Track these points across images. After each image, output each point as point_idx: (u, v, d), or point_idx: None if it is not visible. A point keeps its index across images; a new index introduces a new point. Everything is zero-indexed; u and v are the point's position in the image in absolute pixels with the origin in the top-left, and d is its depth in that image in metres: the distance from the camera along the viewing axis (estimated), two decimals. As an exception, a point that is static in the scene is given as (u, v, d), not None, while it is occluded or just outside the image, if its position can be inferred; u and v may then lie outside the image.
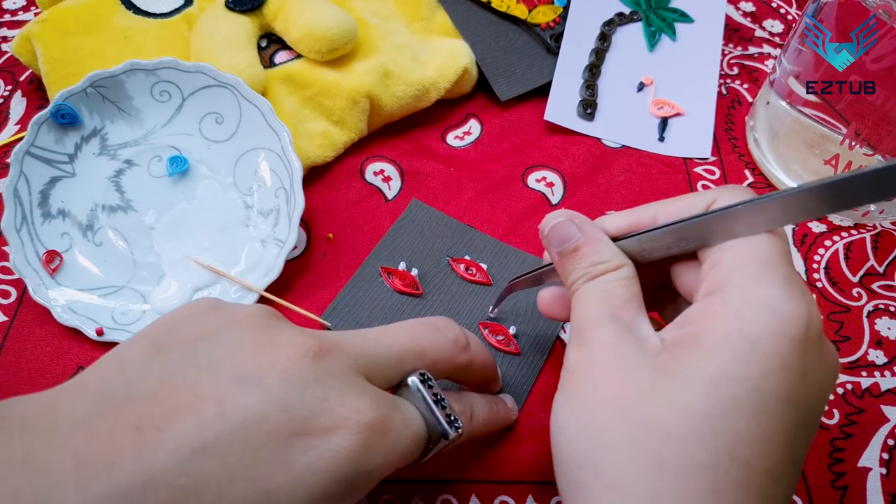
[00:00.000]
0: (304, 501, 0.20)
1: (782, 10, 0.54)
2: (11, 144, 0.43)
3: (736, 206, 0.22)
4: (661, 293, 0.28)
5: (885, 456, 0.32)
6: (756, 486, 0.20)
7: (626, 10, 0.49)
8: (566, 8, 0.48)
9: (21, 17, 0.51)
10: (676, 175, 0.43)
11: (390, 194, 0.42)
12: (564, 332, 0.36)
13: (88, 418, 0.19)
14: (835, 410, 0.34)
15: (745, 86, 0.49)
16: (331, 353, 0.22)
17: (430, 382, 0.25)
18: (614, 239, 0.26)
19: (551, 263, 0.28)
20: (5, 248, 0.37)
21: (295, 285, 0.37)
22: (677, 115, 0.46)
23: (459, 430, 0.25)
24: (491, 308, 0.35)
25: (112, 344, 0.34)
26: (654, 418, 0.20)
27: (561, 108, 0.45)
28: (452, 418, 0.25)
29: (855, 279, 0.39)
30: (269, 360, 0.21)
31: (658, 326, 0.24)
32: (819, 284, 0.38)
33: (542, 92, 0.46)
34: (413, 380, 0.25)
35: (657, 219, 0.25)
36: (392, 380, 0.25)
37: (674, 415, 0.20)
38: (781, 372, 0.20)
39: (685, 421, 0.20)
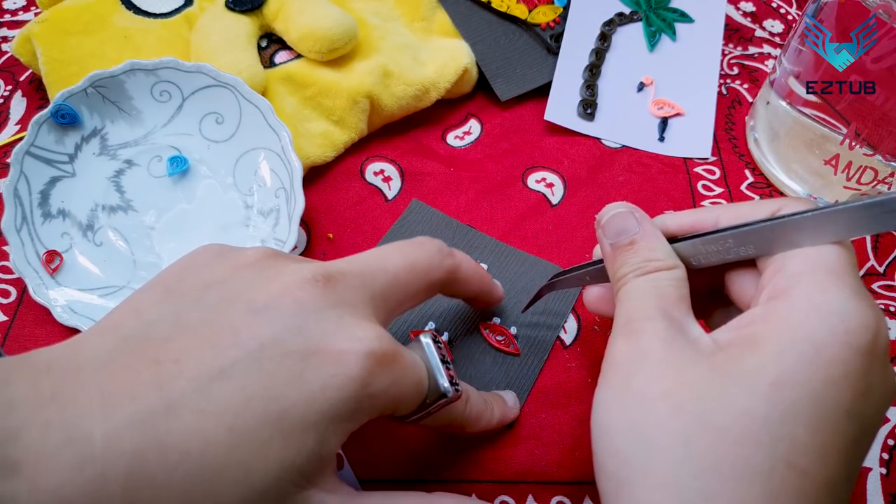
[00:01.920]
0: (315, 420, 0.21)
1: (782, 10, 0.54)
2: (11, 144, 0.43)
3: (805, 214, 0.22)
4: (709, 300, 0.28)
5: (885, 456, 0.32)
6: (813, 497, 0.19)
7: (626, 10, 0.49)
8: (566, 8, 0.48)
9: (21, 17, 0.51)
10: (676, 175, 0.43)
11: (390, 194, 0.42)
12: (565, 331, 0.36)
13: (110, 358, 0.20)
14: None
15: (745, 86, 0.49)
16: (338, 281, 0.23)
17: (440, 344, 0.26)
18: (670, 240, 0.25)
19: (598, 262, 0.27)
20: (5, 248, 0.37)
21: (295, 285, 0.37)
22: (677, 115, 0.46)
23: (458, 391, 0.25)
24: (523, 307, 0.34)
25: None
26: (710, 417, 0.20)
27: (561, 108, 0.45)
28: (454, 381, 0.25)
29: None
30: (279, 291, 0.22)
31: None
32: (819, 284, 0.38)
33: (542, 92, 0.46)
34: (425, 337, 0.26)
35: (719, 221, 0.25)
36: (390, 299, 0.25)
37: (731, 415, 0.20)
38: (845, 382, 0.20)
39: (743, 422, 0.19)
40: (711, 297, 0.28)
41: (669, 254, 0.24)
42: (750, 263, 0.24)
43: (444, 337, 0.35)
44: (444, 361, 0.26)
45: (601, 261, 0.27)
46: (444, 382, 0.25)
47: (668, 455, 0.20)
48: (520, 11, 0.47)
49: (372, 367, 0.22)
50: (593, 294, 0.29)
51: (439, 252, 0.28)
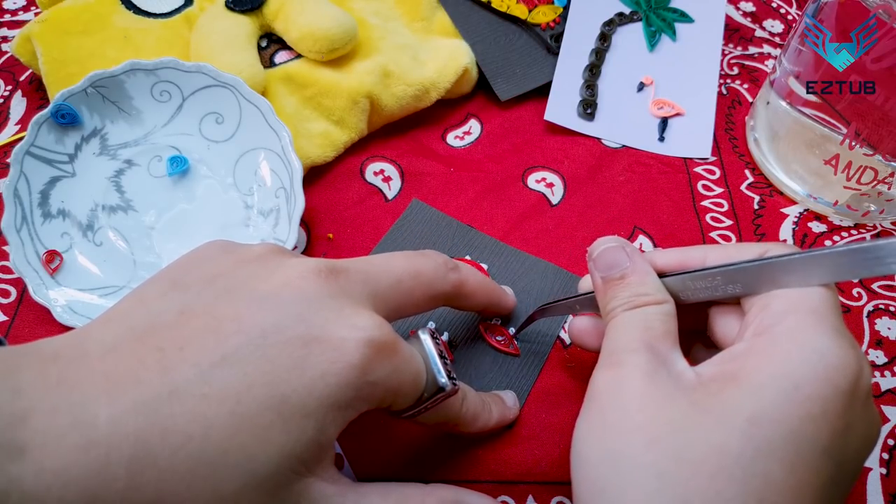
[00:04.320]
0: (315, 406, 0.21)
1: (782, 10, 0.54)
2: (11, 144, 0.43)
3: (792, 256, 0.22)
4: (691, 338, 0.28)
5: (885, 456, 0.32)
6: None
7: (626, 10, 0.49)
8: (566, 8, 0.48)
9: (21, 17, 0.51)
10: (676, 175, 0.43)
11: (390, 194, 0.42)
12: (564, 331, 0.36)
13: (115, 345, 0.21)
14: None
15: (745, 86, 0.49)
16: (341, 274, 0.24)
17: (437, 339, 0.26)
18: (660, 275, 0.26)
19: (589, 293, 0.28)
20: (5, 248, 0.37)
21: (295, 285, 0.37)
22: (677, 115, 0.46)
23: (456, 385, 0.26)
24: (514, 331, 0.35)
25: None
26: (684, 451, 0.20)
27: (561, 108, 0.45)
28: (452, 375, 0.26)
29: (855, 279, 0.39)
30: (282, 281, 0.23)
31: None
32: (819, 284, 0.38)
33: (542, 92, 0.46)
34: (423, 332, 0.26)
35: (706, 260, 0.25)
36: (391, 300, 0.25)
37: (706, 450, 0.20)
38: (822, 420, 0.20)
39: (717, 457, 0.19)
40: (692, 335, 0.28)
41: (659, 288, 0.25)
42: (734, 303, 0.25)
43: (445, 337, 0.35)
44: (441, 357, 0.26)
45: (592, 292, 0.27)
46: (442, 376, 0.25)
47: (641, 487, 0.20)
48: (520, 11, 0.47)
49: (371, 354, 0.22)
50: (578, 327, 0.30)
51: (444, 265, 0.28)
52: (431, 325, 0.35)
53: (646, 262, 0.26)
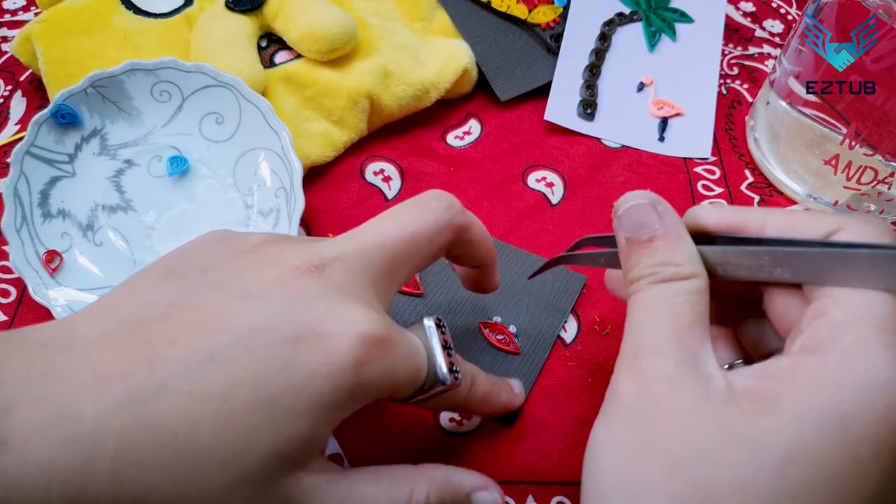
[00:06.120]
0: (304, 407, 0.20)
1: (782, 10, 0.54)
2: (11, 144, 0.43)
3: (861, 250, 0.19)
4: (743, 308, 0.25)
5: (886, 456, 0.32)
6: None
7: (626, 10, 0.49)
8: (566, 8, 0.48)
9: (21, 17, 0.51)
10: (676, 175, 0.43)
11: (390, 194, 0.42)
12: (565, 330, 0.36)
13: (103, 337, 0.20)
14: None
15: (745, 86, 0.49)
16: (333, 267, 0.23)
17: (443, 329, 0.25)
18: (699, 241, 0.22)
19: (614, 249, 0.25)
20: (5, 248, 0.37)
21: (295, 285, 0.37)
22: (677, 115, 0.46)
23: (458, 379, 0.25)
24: (530, 274, 0.33)
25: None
26: (707, 484, 0.18)
27: (561, 108, 0.45)
28: (455, 368, 0.25)
29: None
30: (274, 278, 0.22)
31: (734, 352, 0.21)
32: (819, 284, 0.38)
33: (542, 92, 0.46)
34: (428, 321, 0.25)
35: (765, 228, 0.22)
36: (391, 276, 0.24)
37: (730, 485, 0.18)
38: (873, 465, 0.17)
39: (742, 495, 0.17)
40: (746, 305, 0.25)
41: (691, 258, 0.22)
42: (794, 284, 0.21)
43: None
44: (445, 347, 0.25)
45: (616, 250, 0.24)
46: (443, 369, 0.24)
47: None
48: (520, 11, 0.47)
49: (364, 353, 0.21)
50: (615, 278, 0.28)
51: (448, 209, 0.25)
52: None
53: (680, 225, 0.23)
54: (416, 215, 0.25)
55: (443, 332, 0.25)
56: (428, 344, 0.25)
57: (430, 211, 0.25)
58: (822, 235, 0.21)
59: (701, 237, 0.23)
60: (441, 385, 0.24)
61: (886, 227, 0.20)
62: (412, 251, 0.24)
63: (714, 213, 0.23)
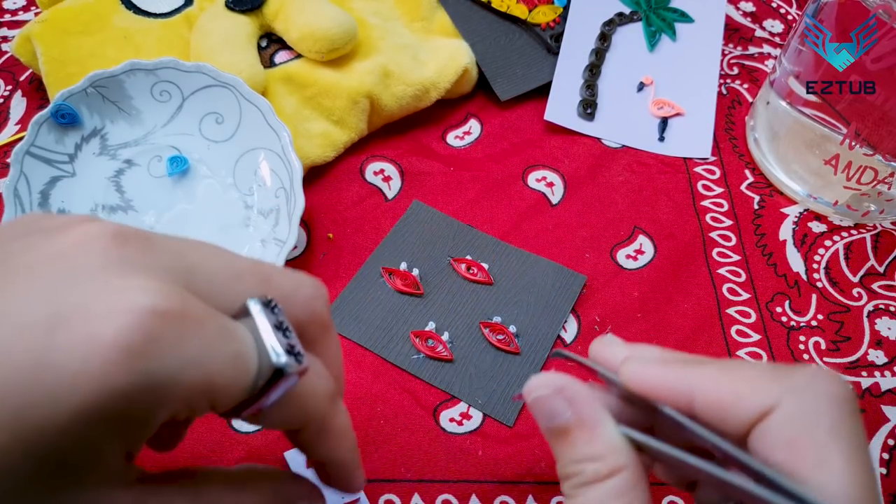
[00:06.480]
0: (64, 425, 0.15)
1: (782, 10, 0.54)
2: (11, 144, 0.43)
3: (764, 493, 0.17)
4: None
5: (886, 456, 0.32)
6: None
7: (626, 10, 0.49)
8: (566, 8, 0.48)
9: (21, 17, 0.51)
10: (676, 175, 0.43)
11: (390, 194, 0.42)
12: (565, 330, 0.36)
13: None
14: (835, 410, 0.34)
15: (745, 86, 0.49)
16: (130, 242, 0.18)
17: (275, 309, 0.19)
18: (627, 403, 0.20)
19: (606, 374, 0.22)
20: (5, 248, 0.37)
21: (295, 285, 0.37)
22: (677, 115, 0.46)
23: (302, 363, 0.18)
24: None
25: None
26: None
27: (561, 107, 0.45)
28: (296, 350, 0.18)
29: (855, 279, 0.39)
30: (55, 252, 0.17)
31: None
32: (819, 284, 0.38)
33: (542, 92, 0.46)
34: (253, 301, 0.19)
35: (693, 398, 0.19)
36: (225, 296, 0.19)
37: None
38: None
39: None
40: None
41: (613, 448, 0.20)
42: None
43: (445, 337, 0.35)
44: (281, 328, 0.19)
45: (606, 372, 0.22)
46: (278, 353, 0.18)
47: None
48: (520, 11, 0.47)
49: (143, 337, 0.15)
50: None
51: (313, 289, 0.21)
52: (432, 324, 0.35)
53: (595, 408, 0.20)
54: (280, 271, 0.20)
55: (275, 314, 0.19)
56: (252, 325, 0.18)
57: (296, 276, 0.21)
58: (756, 415, 0.18)
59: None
60: (279, 373, 0.18)
61: (828, 391, 0.18)
62: (263, 293, 0.19)
63: (638, 372, 0.21)
